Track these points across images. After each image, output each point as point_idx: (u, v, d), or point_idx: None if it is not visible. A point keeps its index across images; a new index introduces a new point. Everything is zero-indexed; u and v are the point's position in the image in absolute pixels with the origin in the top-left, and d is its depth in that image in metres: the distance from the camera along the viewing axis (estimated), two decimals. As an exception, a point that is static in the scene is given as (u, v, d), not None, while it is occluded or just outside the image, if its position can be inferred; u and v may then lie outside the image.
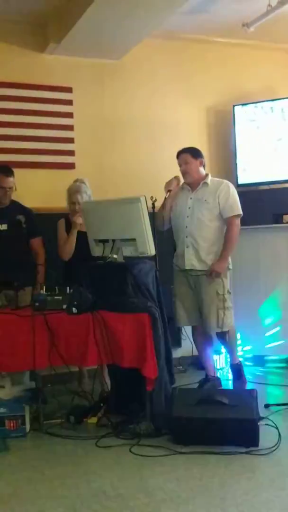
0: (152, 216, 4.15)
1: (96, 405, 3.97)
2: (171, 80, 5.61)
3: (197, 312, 4.48)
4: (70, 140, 5.23)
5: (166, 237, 4.65)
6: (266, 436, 3.35)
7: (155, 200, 4.46)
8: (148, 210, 3.80)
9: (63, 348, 3.59)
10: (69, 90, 5.22)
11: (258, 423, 3.35)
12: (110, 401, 3.99)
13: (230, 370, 4.72)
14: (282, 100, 5.48)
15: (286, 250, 5.23)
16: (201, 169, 4.51)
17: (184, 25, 5.28)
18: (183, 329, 5.17)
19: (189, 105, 5.68)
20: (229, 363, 4.75)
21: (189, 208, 4.45)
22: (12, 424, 3.64)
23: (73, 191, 4.53)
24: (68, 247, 4.44)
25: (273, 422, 3.48)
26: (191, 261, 4.40)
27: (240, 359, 4.74)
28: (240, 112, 5.60)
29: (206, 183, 4.45)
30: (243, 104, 5.59)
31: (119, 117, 5.42)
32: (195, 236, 4.39)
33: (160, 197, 4.58)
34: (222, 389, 4.43)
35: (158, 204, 4.67)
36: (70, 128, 5.23)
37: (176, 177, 4.51)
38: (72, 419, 3.82)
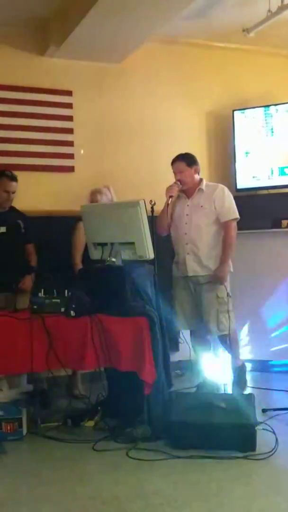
0: (152, 219, 4.15)
1: (93, 409, 3.97)
2: (171, 85, 5.62)
3: (196, 317, 4.50)
4: (70, 144, 5.23)
5: (165, 241, 4.65)
6: (263, 441, 3.35)
7: (154, 203, 4.44)
8: (147, 214, 3.81)
9: (61, 352, 3.58)
10: (69, 93, 5.23)
11: (256, 428, 3.35)
12: (108, 405, 3.98)
13: (232, 373, 4.71)
14: (282, 105, 5.49)
15: (285, 254, 5.24)
16: (196, 176, 4.51)
17: (185, 30, 5.29)
18: (181, 333, 5.15)
19: (189, 109, 5.69)
20: (231, 366, 4.73)
21: (187, 215, 4.47)
22: (9, 427, 3.63)
23: (94, 192, 4.67)
24: None
25: (270, 427, 3.48)
26: (193, 267, 4.43)
27: (242, 361, 4.73)
28: (239, 117, 5.61)
29: (201, 189, 4.47)
30: (242, 109, 5.61)
31: (118, 120, 5.43)
32: (195, 242, 4.42)
33: (159, 201, 4.56)
34: (220, 393, 4.43)
35: (157, 208, 4.67)
36: (69, 131, 5.23)
37: (177, 182, 4.48)
38: (69, 422, 3.81)
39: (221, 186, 4.53)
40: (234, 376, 4.66)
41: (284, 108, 5.46)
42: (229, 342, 4.55)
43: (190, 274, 4.44)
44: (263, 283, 5.22)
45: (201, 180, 4.53)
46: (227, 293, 4.41)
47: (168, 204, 4.43)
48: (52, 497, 2.84)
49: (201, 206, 4.43)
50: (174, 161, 4.51)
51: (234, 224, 4.44)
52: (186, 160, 4.48)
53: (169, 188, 4.45)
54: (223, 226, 4.43)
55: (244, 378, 4.65)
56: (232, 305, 4.44)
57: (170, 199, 4.41)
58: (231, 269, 4.47)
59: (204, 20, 5.12)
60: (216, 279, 4.36)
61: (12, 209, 4.59)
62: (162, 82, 5.59)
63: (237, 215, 4.44)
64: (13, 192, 4.47)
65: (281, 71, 5.97)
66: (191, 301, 4.50)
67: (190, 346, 4.72)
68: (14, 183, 4.45)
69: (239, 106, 5.63)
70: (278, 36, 5.41)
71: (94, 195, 4.70)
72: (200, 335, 4.56)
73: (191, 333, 4.63)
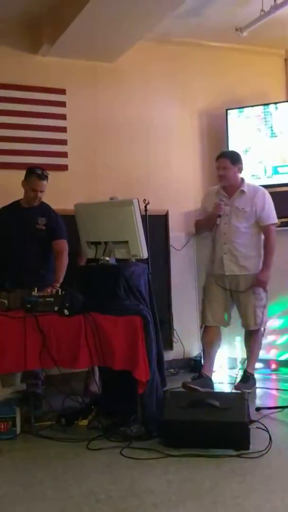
0: (145, 218, 4.16)
1: (87, 407, 3.97)
2: (165, 83, 5.62)
3: (223, 313, 4.58)
4: (63, 142, 5.22)
5: (159, 240, 4.66)
6: (257, 439, 3.35)
7: (148, 202, 4.46)
8: (140, 213, 3.81)
9: (55, 350, 3.57)
10: (62, 92, 5.22)
11: (249, 426, 3.36)
12: (101, 404, 3.98)
13: (241, 373, 4.68)
14: (274, 104, 5.51)
15: (278, 253, 5.23)
16: (238, 174, 4.56)
17: (178, 29, 5.30)
18: (175, 332, 5.17)
19: (182, 108, 5.70)
20: (243, 368, 4.70)
21: (227, 215, 4.53)
22: (2, 426, 3.62)
23: None
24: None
25: (264, 425, 3.48)
26: (230, 266, 4.51)
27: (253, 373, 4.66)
28: (233, 116, 5.62)
29: (243, 191, 4.52)
30: (236, 108, 5.61)
31: (112, 119, 5.42)
32: (233, 243, 4.50)
33: (152, 200, 4.58)
34: (214, 392, 4.43)
35: (150, 207, 4.69)
36: (63, 130, 5.22)
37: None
38: (63, 421, 3.81)
39: (262, 189, 4.60)
40: (242, 377, 4.63)
41: (279, 107, 5.48)
42: (256, 339, 4.57)
43: (228, 273, 4.51)
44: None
45: (242, 180, 4.57)
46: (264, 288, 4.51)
47: (214, 217, 4.52)
48: (46, 495, 2.84)
49: (242, 209, 4.49)
50: (219, 157, 4.58)
51: (274, 228, 4.53)
52: (231, 157, 4.54)
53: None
54: (263, 230, 4.51)
55: (251, 387, 4.54)
56: (267, 301, 4.52)
57: (219, 219, 4.51)
58: None
59: (197, 19, 5.13)
60: (258, 283, 4.44)
61: (40, 206, 4.38)
62: (156, 81, 5.59)
63: (276, 220, 4.54)
64: (41, 191, 4.29)
65: (274, 71, 6.00)
66: (222, 297, 4.57)
67: (184, 345, 4.73)
68: (43, 182, 4.26)
69: (232, 105, 5.64)
70: (271, 35, 5.43)
71: None
72: (212, 331, 4.59)
73: (205, 328, 4.64)
